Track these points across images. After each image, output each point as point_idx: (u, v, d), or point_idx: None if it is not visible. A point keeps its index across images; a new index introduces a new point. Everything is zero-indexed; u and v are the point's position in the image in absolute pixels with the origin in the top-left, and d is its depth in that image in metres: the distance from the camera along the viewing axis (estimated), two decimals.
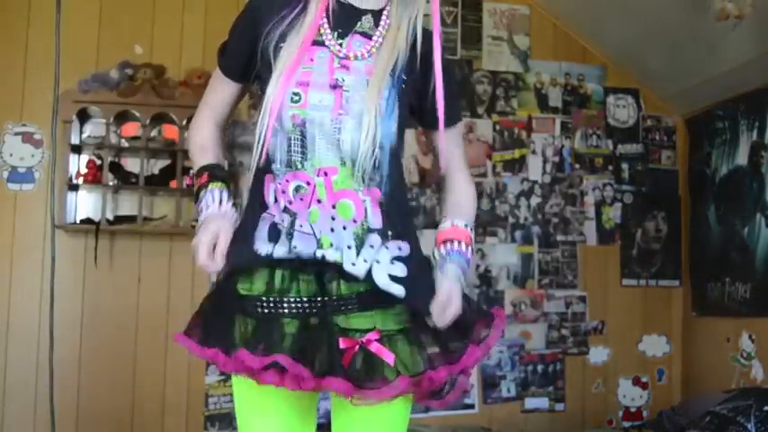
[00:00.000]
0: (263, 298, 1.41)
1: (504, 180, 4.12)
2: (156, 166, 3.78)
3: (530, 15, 4.23)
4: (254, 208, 1.48)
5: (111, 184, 3.66)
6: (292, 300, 1.40)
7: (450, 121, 1.56)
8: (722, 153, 3.93)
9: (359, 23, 1.49)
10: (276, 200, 1.44)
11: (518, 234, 4.12)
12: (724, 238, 3.88)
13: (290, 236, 1.41)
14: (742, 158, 3.76)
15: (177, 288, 3.70)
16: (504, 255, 4.10)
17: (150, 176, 3.69)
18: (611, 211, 4.24)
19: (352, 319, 1.41)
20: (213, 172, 1.52)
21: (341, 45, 1.45)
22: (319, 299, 1.41)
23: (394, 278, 1.42)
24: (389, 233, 1.44)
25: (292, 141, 1.42)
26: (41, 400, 3.47)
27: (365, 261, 1.41)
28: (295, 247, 1.40)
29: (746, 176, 3.72)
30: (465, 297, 1.50)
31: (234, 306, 1.43)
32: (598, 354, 4.16)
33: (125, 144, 3.72)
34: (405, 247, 1.46)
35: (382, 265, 1.42)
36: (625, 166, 4.28)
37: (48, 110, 3.52)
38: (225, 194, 1.49)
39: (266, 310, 1.40)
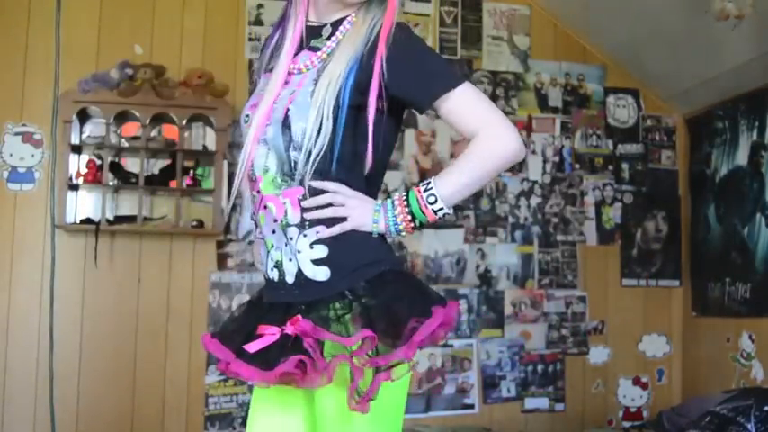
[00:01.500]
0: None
1: (504, 180, 4.12)
2: (156, 166, 3.78)
3: (530, 15, 4.23)
4: None
5: (111, 184, 3.65)
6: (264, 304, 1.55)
7: (430, 97, 1.48)
8: (722, 153, 3.93)
9: (314, 40, 1.55)
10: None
11: (518, 234, 4.12)
12: (724, 238, 3.88)
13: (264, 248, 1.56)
14: (742, 158, 3.76)
15: (177, 288, 3.70)
16: (504, 255, 4.10)
17: (150, 176, 3.69)
18: (611, 211, 4.24)
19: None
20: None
21: (294, 63, 1.54)
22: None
23: (316, 261, 1.45)
24: (307, 223, 1.46)
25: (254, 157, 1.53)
26: (41, 400, 3.47)
27: (290, 260, 1.48)
28: (261, 253, 1.59)
29: (746, 176, 3.72)
30: (410, 300, 1.42)
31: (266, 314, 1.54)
32: (598, 354, 4.16)
33: (125, 144, 3.71)
34: (322, 230, 1.45)
35: (303, 253, 1.45)
36: (625, 166, 4.28)
37: (48, 110, 3.53)
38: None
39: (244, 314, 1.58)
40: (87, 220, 3.65)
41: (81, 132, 3.71)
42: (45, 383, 3.43)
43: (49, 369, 3.39)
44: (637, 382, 4.19)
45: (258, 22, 3.91)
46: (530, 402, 4.07)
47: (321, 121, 1.42)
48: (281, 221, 1.47)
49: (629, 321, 4.20)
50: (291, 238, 1.46)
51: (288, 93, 1.49)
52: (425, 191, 1.46)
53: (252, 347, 1.39)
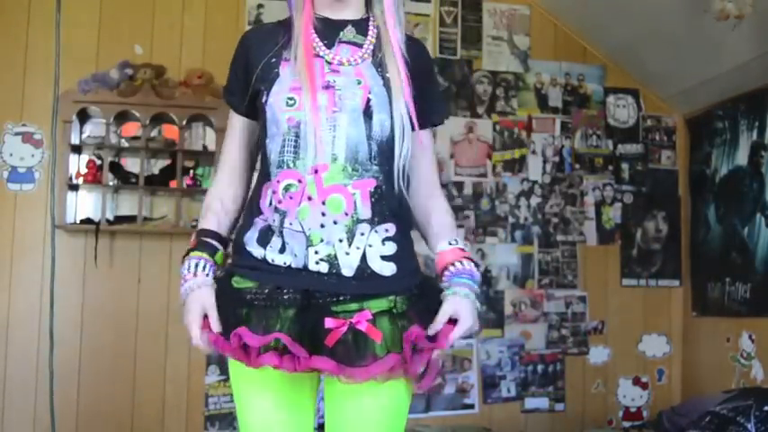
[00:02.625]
0: (257, 290, 1.48)
1: (504, 180, 4.12)
2: (156, 166, 3.79)
3: (530, 15, 4.23)
4: (251, 211, 1.56)
5: (111, 184, 3.66)
6: (285, 291, 1.46)
7: (426, 122, 1.61)
8: (722, 153, 3.93)
9: (341, 33, 1.57)
10: (270, 202, 1.51)
11: (518, 234, 4.12)
12: (724, 238, 3.88)
13: (280, 234, 1.48)
14: (742, 158, 3.76)
15: (177, 288, 3.68)
16: (504, 255, 4.10)
17: (150, 176, 3.69)
18: (611, 211, 4.24)
19: (344, 304, 1.46)
20: (200, 240, 1.56)
21: (330, 52, 1.54)
22: (311, 290, 1.47)
23: (385, 257, 1.49)
24: (377, 219, 1.49)
25: (286, 142, 1.48)
26: (41, 400, 3.47)
27: (358, 249, 1.47)
28: (287, 244, 1.48)
29: (746, 176, 3.72)
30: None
31: (230, 298, 1.49)
32: (598, 354, 4.16)
33: (125, 144, 3.72)
34: (391, 228, 1.51)
35: (374, 248, 1.48)
36: (625, 166, 4.28)
37: (48, 110, 3.53)
38: (201, 264, 1.53)
39: (261, 302, 1.47)
40: (87, 220, 3.65)
41: (81, 132, 3.71)
42: (45, 383, 3.43)
43: (49, 369, 3.39)
44: (637, 382, 4.19)
45: (258, 22, 3.91)
46: (530, 402, 4.07)
47: (406, 117, 1.51)
48: (352, 216, 1.46)
49: (629, 321, 4.20)
50: (363, 234, 1.47)
51: (348, 81, 1.50)
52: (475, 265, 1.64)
53: (330, 342, 1.40)
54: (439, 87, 1.73)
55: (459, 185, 4.07)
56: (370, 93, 1.49)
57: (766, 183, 3.58)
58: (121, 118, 3.67)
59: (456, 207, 4.05)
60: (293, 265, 1.47)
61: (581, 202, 4.21)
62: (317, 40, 1.54)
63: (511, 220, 4.12)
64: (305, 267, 1.46)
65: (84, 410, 3.58)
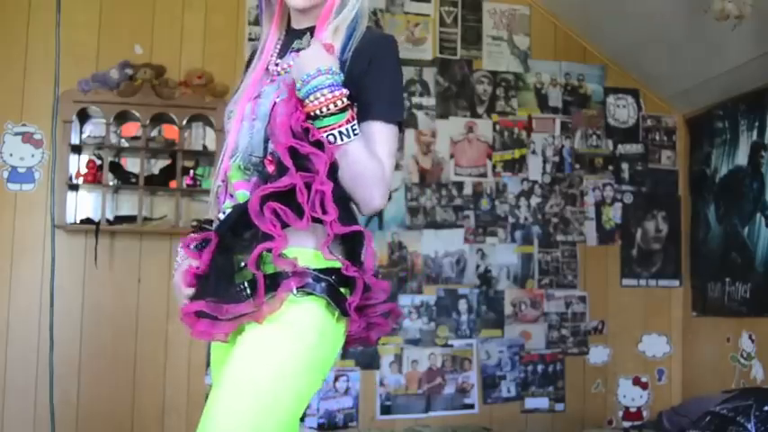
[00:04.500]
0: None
1: (504, 180, 4.12)
2: (156, 166, 3.79)
3: (530, 15, 4.23)
4: None
5: (111, 184, 3.66)
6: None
7: (363, 116, 1.52)
8: (722, 153, 3.93)
9: (297, 42, 1.61)
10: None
11: (518, 234, 4.12)
12: (724, 238, 3.88)
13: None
14: (742, 158, 3.76)
15: None
16: (504, 255, 4.10)
17: (150, 176, 3.69)
18: (611, 211, 4.24)
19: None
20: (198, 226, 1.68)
21: (277, 65, 1.61)
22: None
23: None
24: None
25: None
26: (41, 400, 3.47)
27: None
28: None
29: (746, 176, 3.72)
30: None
31: None
32: (598, 354, 4.16)
33: (125, 144, 3.72)
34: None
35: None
36: (625, 166, 4.28)
37: (48, 110, 3.52)
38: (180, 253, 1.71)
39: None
40: (87, 220, 3.65)
41: (81, 132, 3.71)
42: (45, 383, 3.42)
43: (48, 369, 3.38)
44: (637, 382, 4.19)
45: (258, 22, 3.91)
46: (530, 402, 4.07)
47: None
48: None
49: (629, 321, 4.20)
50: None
51: (270, 89, 1.56)
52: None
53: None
54: (394, 86, 1.59)
55: (459, 185, 4.07)
56: (278, 98, 1.52)
57: (766, 183, 3.58)
58: (121, 118, 3.67)
59: (456, 207, 4.05)
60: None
61: (581, 202, 4.21)
62: (275, 56, 1.63)
63: (511, 220, 4.12)
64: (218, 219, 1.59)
65: (84, 410, 3.58)
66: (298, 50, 1.57)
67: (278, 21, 1.68)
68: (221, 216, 1.56)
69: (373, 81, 1.53)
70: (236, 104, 1.61)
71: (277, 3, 1.67)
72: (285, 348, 1.41)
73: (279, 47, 1.66)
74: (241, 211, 1.45)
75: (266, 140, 1.50)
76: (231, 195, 1.57)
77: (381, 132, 1.51)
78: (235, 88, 1.70)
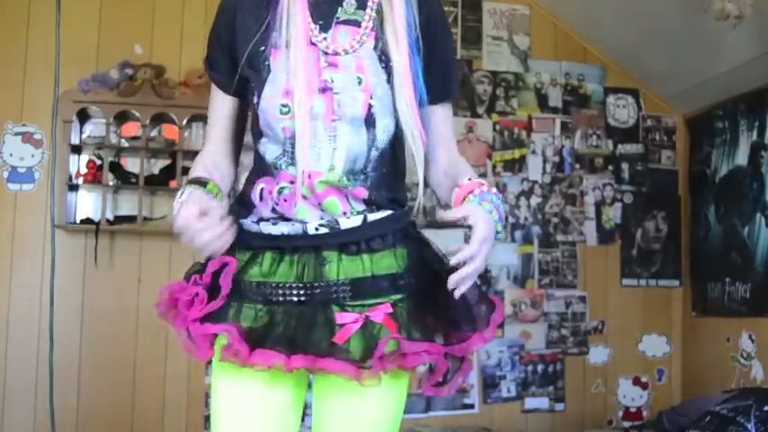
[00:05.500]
0: (249, 281, 1.36)
1: (504, 180, 4.12)
2: (156, 166, 3.79)
3: (530, 15, 4.23)
4: (241, 204, 1.44)
5: (111, 184, 3.66)
6: (277, 284, 1.34)
7: (441, 96, 1.43)
8: (722, 153, 3.93)
9: (339, 9, 1.37)
10: (262, 198, 1.39)
11: (518, 234, 4.12)
12: (724, 238, 3.88)
13: (276, 223, 1.37)
14: (742, 158, 3.76)
15: None
16: (504, 255, 4.09)
17: (150, 176, 3.69)
18: (611, 211, 4.24)
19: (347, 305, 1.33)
20: (192, 179, 1.41)
21: (326, 39, 1.34)
22: (309, 284, 1.33)
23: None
24: (374, 207, 1.38)
25: (283, 149, 1.36)
26: (41, 400, 3.47)
27: (359, 214, 1.36)
28: (283, 223, 1.36)
29: (746, 176, 3.72)
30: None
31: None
32: (598, 354, 4.16)
33: (125, 144, 3.72)
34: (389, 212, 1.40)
35: (374, 214, 1.38)
36: (625, 166, 4.28)
37: (48, 110, 3.53)
38: (188, 190, 1.39)
39: (251, 294, 1.35)
40: (87, 220, 3.65)
41: (81, 132, 3.72)
42: (45, 383, 3.42)
43: (49, 369, 3.38)
44: (637, 382, 4.19)
45: None
46: (530, 402, 4.07)
47: (411, 121, 1.35)
48: (349, 213, 1.36)
49: (629, 321, 4.20)
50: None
51: (347, 81, 1.32)
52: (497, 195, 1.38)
53: (340, 339, 1.28)
54: (451, 53, 1.48)
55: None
56: (372, 97, 1.33)
57: (766, 183, 3.58)
58: (121, 118, 3.67)
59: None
60: (291, 233, 1.35)
61: (581, 202, 4.21)
62: (311, 20, 1.34)
63: (511, 220, 4.12)
64: (304, 232, 1.34)
65: (84, 410, 3.58)
66: (345, 22, 1.35)
67: None
68: (305, 227, 1.33)
69: (443, 54, 1.43)
70: (292, 97, 1.31)
71: None
72: (398, 416, 1.41)
73: (310, 13, 1.36)
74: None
75: (370, 148, 1.35)
76: (304, 197, 1.34)
77: (450, 113, 1.49)
78: (258, 63, 1.36)
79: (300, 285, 1.34)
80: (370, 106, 1.33)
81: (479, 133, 4.12)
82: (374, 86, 1.34)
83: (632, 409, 4.17)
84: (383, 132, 1.36)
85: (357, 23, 1.36)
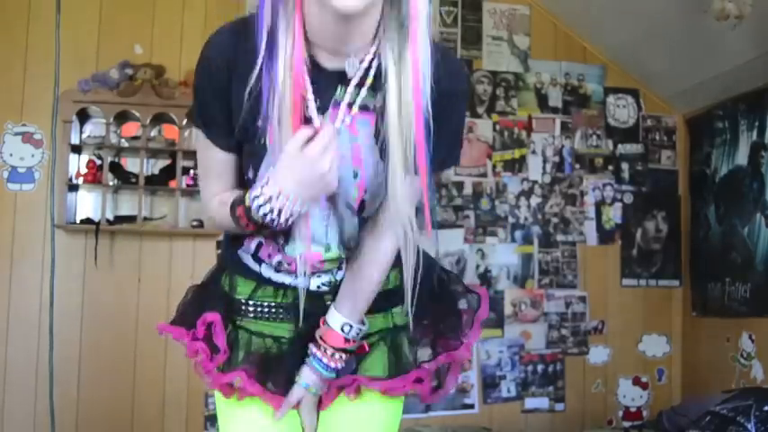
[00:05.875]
0: (248, 301, 1.41)
1: (504, 180, 4.12)
2: (156, 166, 3.79)
3: (530, 15, 4.23)
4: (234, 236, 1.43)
5: (111, 184, 3.66)
6: (273, 305, 1.40)
7: (437, 167, 1.34)
8: (722, 153, 3.93)
9: (340, 89, 1.22)
10: (258, 251, 1.39)
11: (518, 234, 4.12)
12: (724, 238, 3.88)
13: (278, 270, 1.39)
14: (742, 158, 3.76)
15: (177, 288, 3.68)
16: (504, 255, 4.10)
17: (150, 176, 3.69)
18: (611, 211, 4.24)
19: None
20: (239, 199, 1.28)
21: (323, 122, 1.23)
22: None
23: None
24: None
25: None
26: (41, 400, 3.47)
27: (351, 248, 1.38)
28: (283, 269, 1.38)
29: (746, 176, 3.72)
30: (447, 273, 1.51)
31: (219, 303, 1.43)
32: (598, 354, 4.16)
33: (125, 144, 3.72)
34: None
35: None
36: (625, 166, 4.28)
37: (48, 110, 3.53)
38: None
39: (251, 314, 1.41)
40: (87, 220, 3.65)
41: (81, 132, 3.72)
42: (45, 383, 3.43)
43: (49, 369, 3.39)
44: (637, 382, 4.19)
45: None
46: (530, 402, 4.07)
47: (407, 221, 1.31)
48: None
49: (629, 321, 4.20)
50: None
51: (343, 172, 1.23)
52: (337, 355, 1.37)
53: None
54: (462, 124, 1.36)
55: (459, 185, 4.07)
56: (366, 192, 1.27)
57: (766, 183, 3.58)
58: (121, 118, 3.67)
59: (456, 207, 4.05)
60: (292, 284, 1.38)
61: (581, 202, 4.21)
62: (309, 99, 1.21)
63: (511, 220, 4.12)
64: (306, 288, 1.37)
65: (84, 410, 3.58)
66: (348, 104, 1.22)
67: (299, 33, 1.18)
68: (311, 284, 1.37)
69: (451, 125, 1.30)
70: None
71: (296, 8, 1.17)
72: (398, 417, 1.48)
73: (309, 78, 1.20)
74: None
75: (361, 223, 1.34)
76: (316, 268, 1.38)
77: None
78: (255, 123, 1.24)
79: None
80: (363, 200, 1.31)
81: (479, 133, 4.12)
82: (369, 180, 1.27)
83: (632, 409, 4.17)
84: (374, 209, 1.34)
85: (361, 107, 1.25)
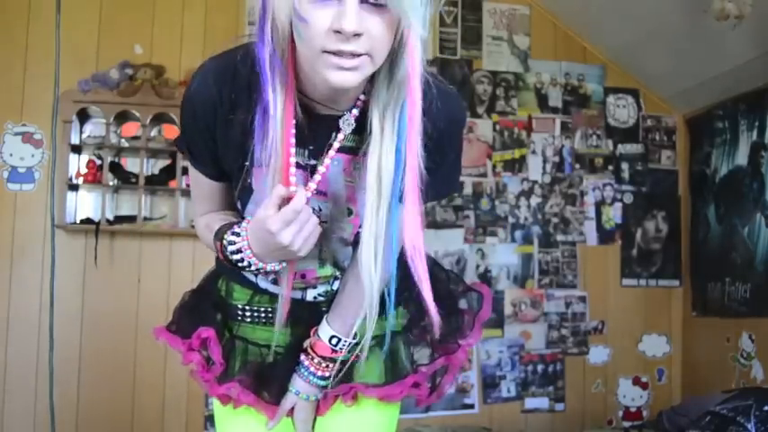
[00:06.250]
0: (245, 306, 1.44)
1: (504, 180, 4.12)
2: (156, 166, 3.79)
3: (530, 15, 4.23)
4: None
5: (111, 184, 3.66)
6: (270, 309, 1.42)
7: (434, 197, 1.33)
8: (722, 153, 3.93)
9: (333, 134, 1.24)
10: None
11: (518, 234, 4.12)
12: (724, 238, 3.88)
13: (274, 282, 1.40)
14: (742, 158, 3.76)
15: (177, 288, 3.67)
16: (504, 255, 4.10)
17: (150, 176, 3.70)
18: (611, 211, 4.24)
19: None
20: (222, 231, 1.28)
21: (315, 166, 1.24)
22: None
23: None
24: None
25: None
26: (41, 400, 3.47)
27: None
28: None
29: (746, 176, 3.72)
30: (447, 272, 1.51)
31: (215, 311, 1.46)
32: (598, 354, 4.16)
33: (125, 144, 3.72)
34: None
35: None
36: (625, 166, 4.28)
37: (48, 110, 3.52)
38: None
39: (248, 319, 1.44)
40: (87, 220, 3.65)
41: (81, 132, 3.72)
42: (45, 383, 3.42)
43: (49, 369, 3.38)
44: (637, 382, 4.19)
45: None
46: (530, 402, 4.07)
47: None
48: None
49: (629, 321, 4.20)
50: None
51: (337, 212, 1.29)
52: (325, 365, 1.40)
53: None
54: (458, 157, 1.38)
55: (459, 185, 4.07)
56: (360, 226, 1.25)
57: (766, 183, 3.58)
58: (121, 118, 3.67)
59: (456, 207, 4.05)
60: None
61: (581, 202, 4.21)
62: (297, 144, 1.21)
63: (511, 220, 4.12)
64: (302, 299, 1.42)
65: (84, 410, 3.58)
66: (340, 149, 1.25)
67: (291, 89, 1.17)
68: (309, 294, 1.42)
69: (447, 161, 1.33)
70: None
71: (289, 67, 1.16)
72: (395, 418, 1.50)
73: (294, 131, 1.20)
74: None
75: (354, 249, 1.35)
76: (303, 276, 1.37)
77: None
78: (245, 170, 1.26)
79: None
80: (357, 233, 1.31)
81: (479, 133, 4.12)
82: (364, 217, 1.24)
83: (632, 409, 4.17)
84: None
85: (354, 151, 1.25)
